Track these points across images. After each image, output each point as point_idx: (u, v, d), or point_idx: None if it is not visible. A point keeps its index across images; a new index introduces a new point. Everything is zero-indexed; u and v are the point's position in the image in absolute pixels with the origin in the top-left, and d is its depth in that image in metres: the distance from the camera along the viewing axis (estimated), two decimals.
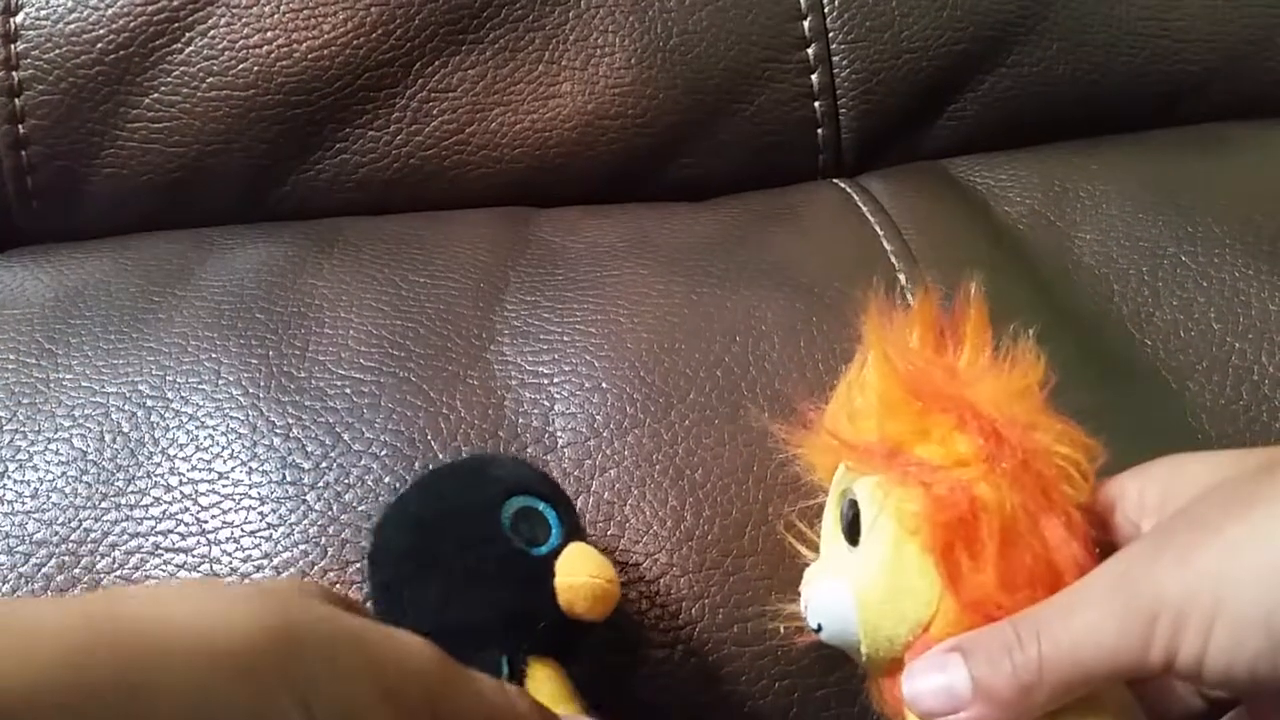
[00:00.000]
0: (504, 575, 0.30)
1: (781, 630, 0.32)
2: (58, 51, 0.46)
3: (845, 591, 0.28)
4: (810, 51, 0.50)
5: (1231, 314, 0.41)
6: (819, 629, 0.29)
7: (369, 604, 0.32)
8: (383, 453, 0.37)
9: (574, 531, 0.32)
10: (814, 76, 0.50)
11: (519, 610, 0.30)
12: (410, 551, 0.32)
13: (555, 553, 0.30)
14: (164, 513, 0.36)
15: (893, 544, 0.28)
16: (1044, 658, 0.25)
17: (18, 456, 0.37)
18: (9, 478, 0.37)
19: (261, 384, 0.38)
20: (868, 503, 0.28)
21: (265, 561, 0.35)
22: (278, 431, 0.37)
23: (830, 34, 0.50)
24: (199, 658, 0.21)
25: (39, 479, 0.37)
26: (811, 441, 0.32)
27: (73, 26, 0.46)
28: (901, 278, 0.42)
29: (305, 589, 0.28)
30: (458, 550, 0.31)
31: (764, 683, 0.32)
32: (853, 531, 0.29)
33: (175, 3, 0.47)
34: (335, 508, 0.36)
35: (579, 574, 0.30)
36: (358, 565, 0.35)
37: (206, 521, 0.36)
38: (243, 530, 0.36)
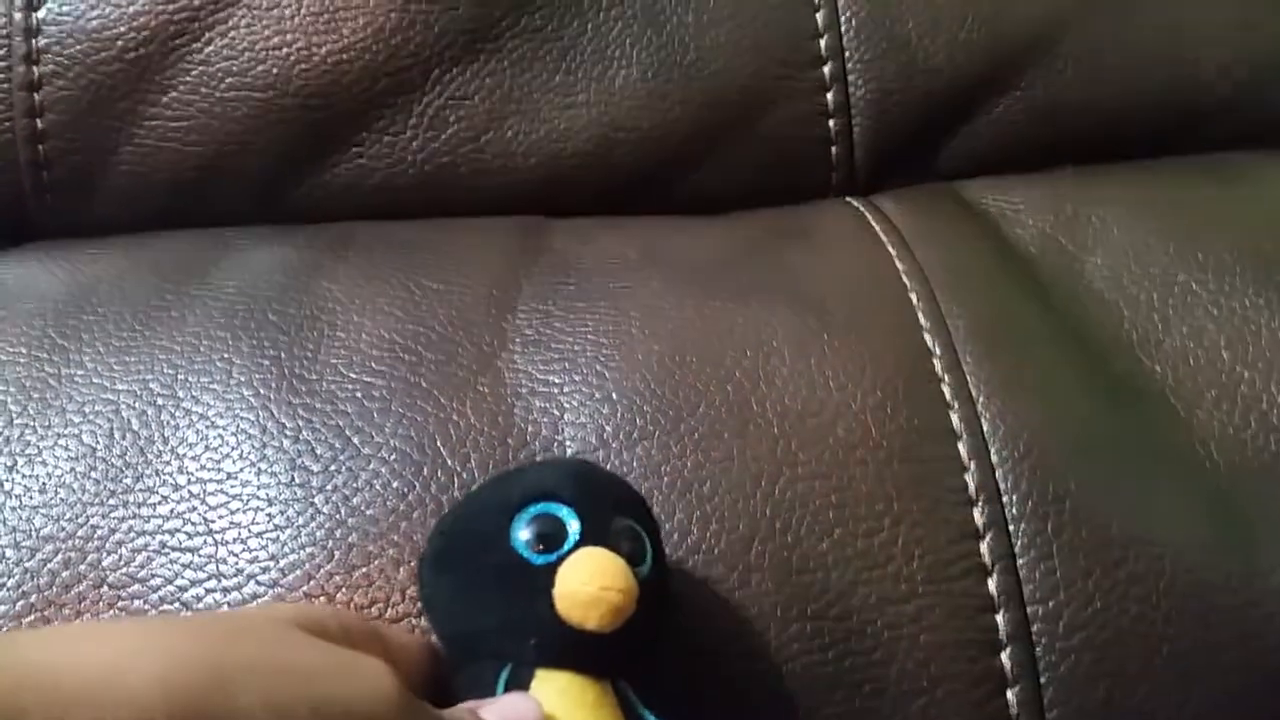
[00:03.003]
0: (501, 584, 0.30)
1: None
2: (79, 47, 0.46)
3: None
4: (826, 70, 0.50)
5: (1241, 342, 0.41)
6: None
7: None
8: (391, 457, 0.37)
9: (601, 537, 0.30)
10: (829, 95, 0.50)
11: (513, 620, 0.29)
12: (432, 559, 0.32)
13: (563, 560, 0.30)
14: (171, 511, 0.36)
15: None
16: None
17: (27, 451, 0.37)
18: (18, 472, 0.37)
19: (272, 385, 0.38)
20: None
21: (271, 563, 0.35)
22: (287, 433, 0.37)
23: (846, 53, 0.50)
24: (101, 706, 0.20)
25: (47, 474, 0.37)
26: None
27: (94, 23, 0.46)
28: (913, 297, 0.42)
29: (275, 617, 0.27)
30: (465, 558, 0.31)
31: (770, 701, 0.33)
32: None
33: (196, 2, 0.47)
34: (343, 511, 0.36)
35: (574, 582, 0.29)
36: (364, 570, 0.35)
37: (214, 521, 0.36)
38: (250, 531, 0.36)
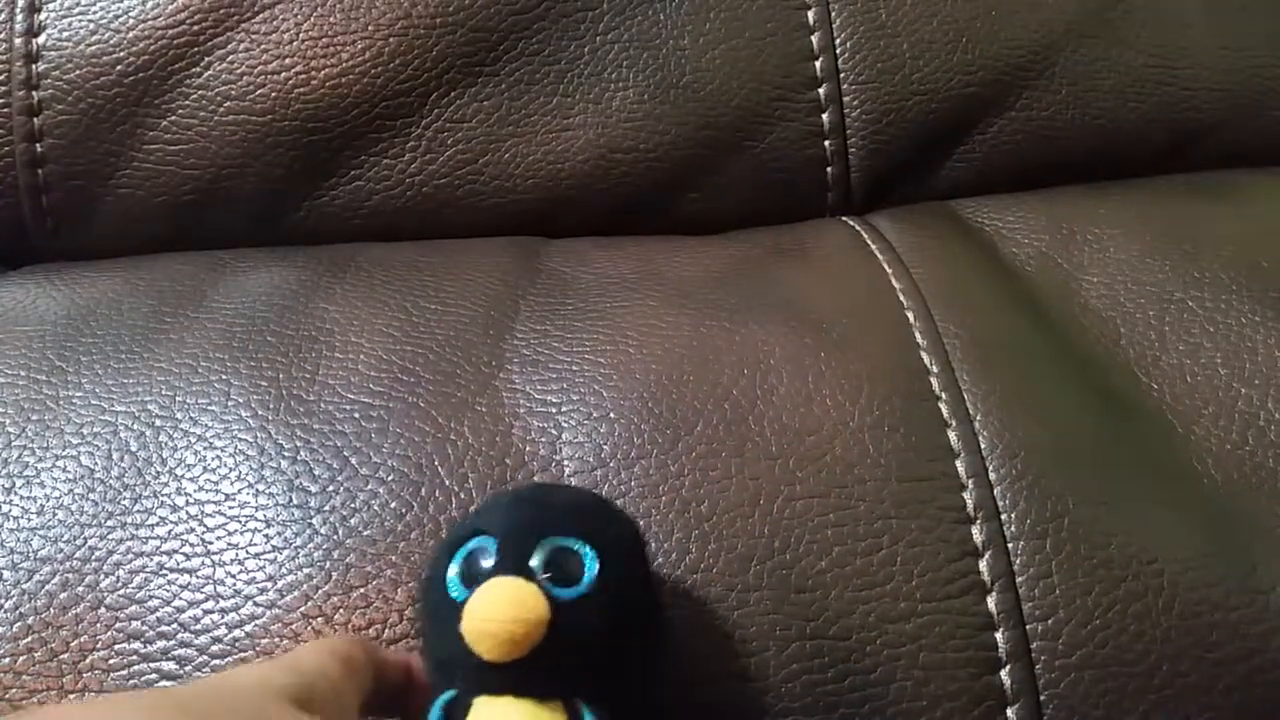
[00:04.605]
0: (435, 621, 0.31)
1: None
2: (78, 72, 0.47)
3: None
4: (822, 91, 0.50)
5: (1238, 360, 0.41)
6: None
7: None
8: (389, 478, 0.37)
9: (518, 565, 0.30)
10: (825, 116, 0.50)
11: (445, 654, 0.30)
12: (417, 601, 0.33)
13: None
14: (169, 533, 0.36)
15: None
16: None
17: (25, 473, 0.37)
18: (16, 494, 0.37)
19: (270, 406, 0.39)
20: None
21: (269, 584, 0.35)
22: (285, 454, 0.37)
23: (842, 74, 0.50)
24: None
25: (46, 496, 0.37)
26: None
27: (94, 48, 0.47)
28: (909, 315, 0.42)
29: (264, 689, 0.26)
30: (422, 600, 0.32)
31: None
32: None
33: (195, 28, 0.47)
34: (341, 532, 0.36)
35: (473, 616, 0.29)
36: (362, 590, 0.35)
37: (212, 543, 0.36)
38: (248, 552, 0.35)
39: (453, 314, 0.42)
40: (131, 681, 0.34)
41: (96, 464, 0.37)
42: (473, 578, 0.30)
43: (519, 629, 0.29)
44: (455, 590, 0.30)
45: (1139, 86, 0.51)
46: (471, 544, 0.31)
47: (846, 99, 0.50)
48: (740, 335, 0.41)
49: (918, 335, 0.41)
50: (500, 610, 0.29)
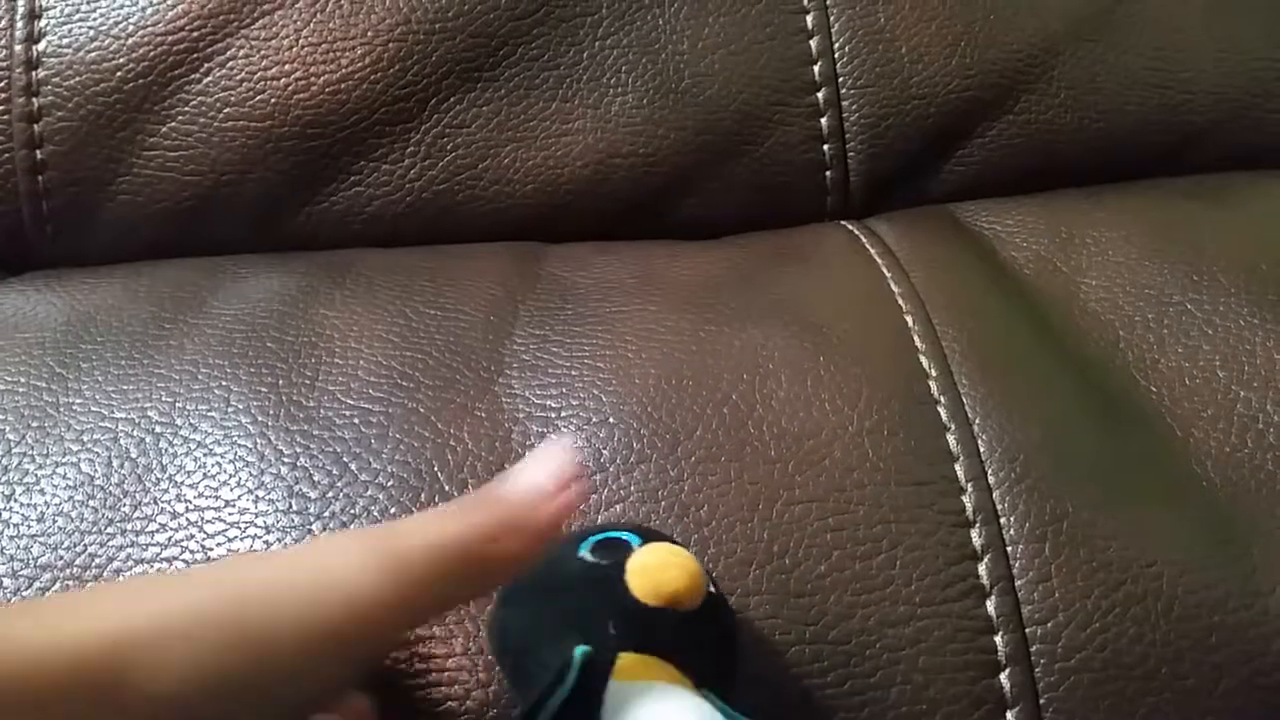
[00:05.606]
0: (572, 583, 0.31)
1: None
2: (78, 79, 0.47)
3: None
4: (820, 95, 0.50)
5: (1236, 362, 0.41)
6: None
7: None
8: (389, 483, 0.37)
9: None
10: (823, 120, 0.50)
11: (588, 608, 0.30)
12: (501, 603, 0.33)
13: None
14: (169, 539, 0.36)
15: None
16: None
17: (25, 479, 0.37)
18: (16, 500, 0.37)
19: (270, 412, 0.39)
20: None
21: None
22: (285, 460, 0.37)
23: (840, 79, 0.50)
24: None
25: (45, 503, 0.37)
26: None
27: (93, 54, 0.47)
28: (908, 319, 0.42)
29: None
30: (534, 584, 0.32)
31: None
32: None
33: (195, 34, 0.47)
34: None
35: (647, 555, 0.30)
36: None
37: (212, 549, 0.36)
38: None
39: (452, 319, 0.42)
40: None
41: (96, 471, 0.37)
42: (617, 555, 0.31)
43: (696, 572, 0.30)
44: (600, 559, 0.31)
45: (1137, 89, 0.51)
46: (600, 536, 0.32)
47: (845, 103, 0.50)
48: (739, 340, 0.41)
49: (917, 339, 0.41)
50: (682, 555, 0.31)
